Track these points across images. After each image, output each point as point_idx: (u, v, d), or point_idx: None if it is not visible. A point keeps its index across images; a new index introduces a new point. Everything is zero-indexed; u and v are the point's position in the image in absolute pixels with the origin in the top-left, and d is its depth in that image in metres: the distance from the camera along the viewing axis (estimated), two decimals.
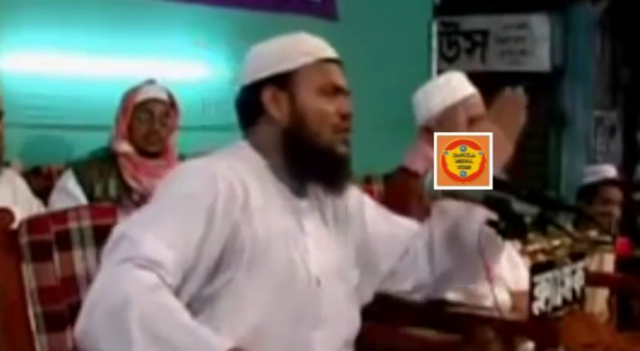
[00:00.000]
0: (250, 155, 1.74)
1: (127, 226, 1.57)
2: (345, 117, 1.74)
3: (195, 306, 1.59)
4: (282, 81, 1.73)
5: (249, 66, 1.80)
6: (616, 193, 4.09)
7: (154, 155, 3.08)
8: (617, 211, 4.01)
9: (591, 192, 4.10)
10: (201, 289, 1.60)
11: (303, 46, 1.78)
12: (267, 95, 1.73)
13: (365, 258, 1.88)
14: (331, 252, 1.77)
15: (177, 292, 1.52)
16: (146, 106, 3.07)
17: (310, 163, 1.73)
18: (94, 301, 1.48)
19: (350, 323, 1.80)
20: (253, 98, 1.75)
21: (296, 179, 1.74)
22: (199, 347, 1.37)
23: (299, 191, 1.75)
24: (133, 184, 2.99)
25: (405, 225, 1.96)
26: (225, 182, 1.62)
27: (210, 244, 1.58)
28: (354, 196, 1.90)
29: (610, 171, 4.24)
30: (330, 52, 1.80)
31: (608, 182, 4.14)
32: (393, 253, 1.90)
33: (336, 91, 1.75)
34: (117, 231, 1.56)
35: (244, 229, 1.62)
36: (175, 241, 1.54)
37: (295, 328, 1.66)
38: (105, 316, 1.43)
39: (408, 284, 1.91)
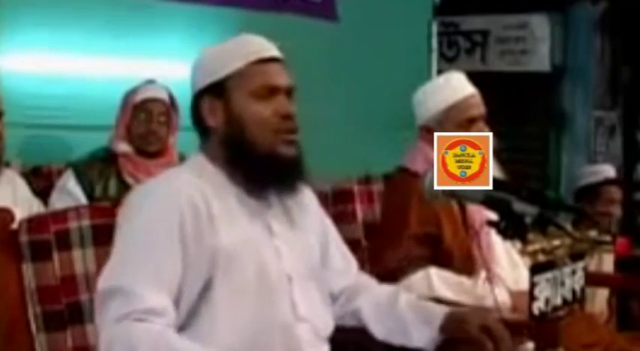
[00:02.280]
0: (206, 166, 1.73)
1: (112, 279, 1.56)
2: (285, 117, 1.71)
3: (182, 322, 1.61)
4: (217, 90, 1.72)
5: (191, 78, 1.78)
6: (617, 193, 4.09)
7: (154, 155, 3.07)
8: (618, 211, 4.00)
9: (592, 192, 4.08)
10: (190, 307, 1.62)
11: (235, 51, 1.74)
12: (204, 106, 1.73)
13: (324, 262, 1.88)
14: (301, 251, 1.77)
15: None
16: (145, 105, 3.07)
17: (253, 169, 1.71)
18: None
19: (325, 322, 1.79)
20: (196, 110, 1.75)
21: (250, 185, 1.72)
22: None
23: (260, 195, 1.73)
24: (132, 183, 2.98)
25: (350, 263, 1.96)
26: (186, 198, 1.62)
27: (191, 264, 1.60)
28: (313, 201, 1.90)
29: (610, 171, 4.24)
30: (264, 52, 1.75)
31: (610, 182, 4.13)
32: (338, 283, 1.90)
33: (272, 92, 1.72)
34: (103, 286, 1.56)
35: (212, 241, 1.62)
36: (162, 279, 1.56)
37: (279, 327, 1.67)
38: None
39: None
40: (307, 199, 1.86)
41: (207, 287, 1.61)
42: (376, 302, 1.87)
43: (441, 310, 1.79)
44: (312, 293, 1.75)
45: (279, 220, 1.76)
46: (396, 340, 1.83)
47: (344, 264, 1.94)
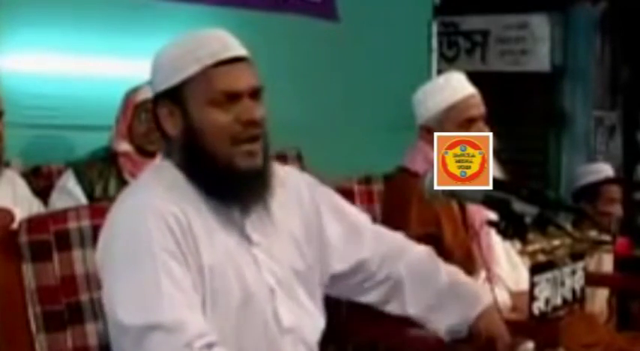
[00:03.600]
0: (174, 176, 1.62)
1: (140, 315, 1.48)
2: (247, 124, 1.58)
3: None
4: (174, 95, 1.60)
5: (151, 77, 1.68)
6: (618, 192, 4.08)
7: (154, 154, 3.07)
8: (619, 210, 3.99)
9: (593, 191, 4.06)
10: None
11: (191, 53, 1.60)
12: (163, 112, 1.62)
13: (319, 247, 1.79)
14: (284, 254, 1.69)
15: None
16: (146, 105, 3.06)
17: (213, 183, 1.59)
18: None
19: (314, 327, 1.73)
20: (156, 114, 1.65)
21: (212, 199, 1.61)
22: None
23: (232, 203, 1.63)
24: (131, 182, 2.98)
25: (371, 232, 1.89)
26: (172, 218, 1.54)
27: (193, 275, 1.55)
28: (304, 187, 1.80)
29: (609, 170, 4.23)
30: (222, 54, 1.59)
31: (610, 181, 4.13)
32: (350, 256, 1.83)
33: (233, 97, 1.58)
34: (135, 323, 1.48)
35: (198, 261, 1.56)
36: (187, 298, 1.51)
37: (264, 342, 1.62)
38: None
39: (375, 297, 1.87)
40: (294, 190, 1.77)
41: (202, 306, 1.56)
42: (418, 271, 1.84)
43: (479, 303, 1.79)
44: (299, 299, 1.69)
45: (259, 225, 1.66)
46: (424, 317, 1.82)
47: (353, 239, 1.83)
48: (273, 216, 1.70)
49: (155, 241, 1.52)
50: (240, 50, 1.63)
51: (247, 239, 1.64)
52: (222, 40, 1.62)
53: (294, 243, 1.73)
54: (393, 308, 1.87)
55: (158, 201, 1.57)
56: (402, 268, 1.85)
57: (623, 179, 4.75)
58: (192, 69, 1.59)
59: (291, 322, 1.66)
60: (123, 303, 1.51)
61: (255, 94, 1.62)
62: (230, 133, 1.58)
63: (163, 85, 1.63)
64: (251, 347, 1.60)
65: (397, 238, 1.92)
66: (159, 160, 1.71)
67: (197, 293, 1.54)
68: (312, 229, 1.78)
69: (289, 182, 1.78)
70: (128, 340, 1.50)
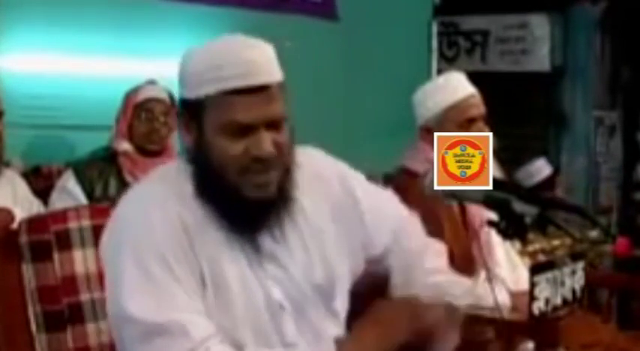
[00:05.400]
0: (187, 182, 1.57)
1: (151, 312, 1.47)
2: (256, 159, 1.50)
3: None
4: (193, 108, 1.54)
5: (178, 77, 1.61)
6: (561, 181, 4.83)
7: (154, 154, 3.08)
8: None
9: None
10: None
11: (214, 72, 1.51)
12: (182, 118, 1.58)
13: (360, 244, 1.76)
14: (302, 269, 1.62)
15: None
16: (146, 105, 3.07)
17: (219, 204, 1.54)
18: None
19: (325, 344, 1.64)
20: (178, 115, 1.61)
21: (218, 218, 1.56)
22: None
23: (240, 226, 1.56)
24: (132, 182, 2.99)
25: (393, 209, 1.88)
26: (174, 215, 1.52)
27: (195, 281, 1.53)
28: (335, 186, 1.75)
29: (547, 166, 4.84)
30: (240, 81, 1.50)
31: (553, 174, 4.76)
32: (387, 233, 1.81)
33: (245, 129, 1.50)
34: (142, 318, 1.47)
35: (194, 263, 1.53)
36: (192, 302, 1.50)
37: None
38: None
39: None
40: (323, 183, 1.71)
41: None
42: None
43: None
44: (310, 319, 1.63)
45: (274, 237, 1.59)
46: None
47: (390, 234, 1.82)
48: (303, 213, 1.64)
49: (160, 238, 1.51)
50: (265, 76, 1.53)
51: (259, 252, 1.58)
52: (249, 62, 1.52)
53: (319, 247, 1.66)
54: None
55: (163, 198, 1.54)
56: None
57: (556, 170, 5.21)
58: (210, 89, 1.51)
59: (296, 339, 1.61)
60: (132, 295, 1.48)
61: (274, 124, 1.53)
62: (238, 165, 1.51)
63: (184, 94, 1.58)
64: None
65: (419, 245, 1.89)
66: (177, 161, 1.66)
67: (199, 297, 1.52)
68: (348, 219, 1.73)
69: (325, 173, 1.74)
70: (136, 332, 1.48)
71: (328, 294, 1.67)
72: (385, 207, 1.87)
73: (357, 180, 1.82)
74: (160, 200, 1.55)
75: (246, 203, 1.53)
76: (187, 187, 1.57)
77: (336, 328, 1.68)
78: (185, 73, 1.57)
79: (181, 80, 1.59)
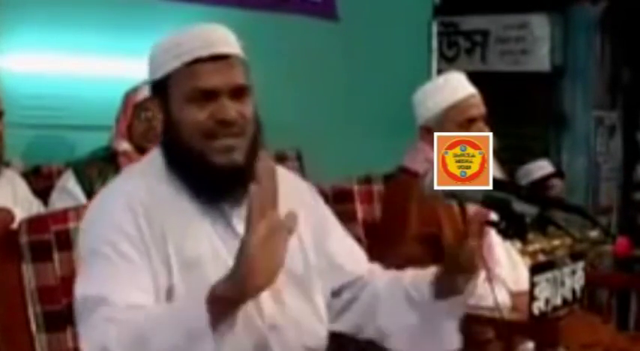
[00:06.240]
0: (159, 167, 1.64)
1: (91, 288, 1.50)
2: (220, 123, 1.57)
3: None
4: (159, 89, 1.64)
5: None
6: (559, 184, 4.79)
7: None
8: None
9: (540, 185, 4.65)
10: None
11: (175, 49, 1.60)
12: (157, 102, 1.66)
13: (325, 259, 1.76)
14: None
15: None
16: (146, 104, 3.07)
17: (191, 178, 1.59)
18: None
19: (304, 331, 1.65)
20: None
21: (192, 193, 1.60)
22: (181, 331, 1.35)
23: (213, 197, 1.60)
24: None
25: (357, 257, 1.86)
26: (136, 201, 1.56)
27: (155, 270, 1.54)
28: (308, 195, 1.79)
29: (549, 166, 4.86)
30: (201, 51, 1.58)
31: (552, 175, 4.78)
32: (349, 273, 1.79)
33: (209, 95, 1.57)
34: (83, 293, 1.51)
35: (161, 247, 1.55)
36: (140, 285, 1.51)
37: (248, 335, 1.56)
38: None
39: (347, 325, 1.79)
40: (297, 191, 1.74)
41: (169, 295, 1.54)
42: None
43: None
44: (284, 302, 1.63)
45: (243, 216, 1.57)
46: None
47: (352, 258, 1.82)
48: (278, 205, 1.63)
49: (116, 225, 1.54)
50: (224, 47, 1.60)
51: (234, 232, 1.59)
52: (208, 37, 1.61)
53: (296, 244, 1.66)
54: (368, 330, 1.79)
55: (130, 187, 1.60)
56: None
57: (561, 172, 5.22)
58: (172, 65, 1.60)
59: (275, 321, 1.61)
60: (80, 279, 1.55)
61: (236, 92, 1.59)
62: (203, 129, 1.57)
63: (151, 78, 1.67)
64: (234, 340, 1.50)
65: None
66: (154, 151, 1.71)
67: (149, 277, 1.52)
68: (318, 237, 1.75)
69: (296, 184, 1.78)
70: (76, 311, 1.53)
71: (305, 286, 1.67)
72: (348, 239, 1.87)
73: (327, 207, 1.86)
74: (124, 188, 1.61)
75: (212, 169, 1.57)
76: (162, 169, 1.62)
77: (317, 323, 1.68)
78: (150, 59, 1.67)
79: (149, 68, 1.68)
